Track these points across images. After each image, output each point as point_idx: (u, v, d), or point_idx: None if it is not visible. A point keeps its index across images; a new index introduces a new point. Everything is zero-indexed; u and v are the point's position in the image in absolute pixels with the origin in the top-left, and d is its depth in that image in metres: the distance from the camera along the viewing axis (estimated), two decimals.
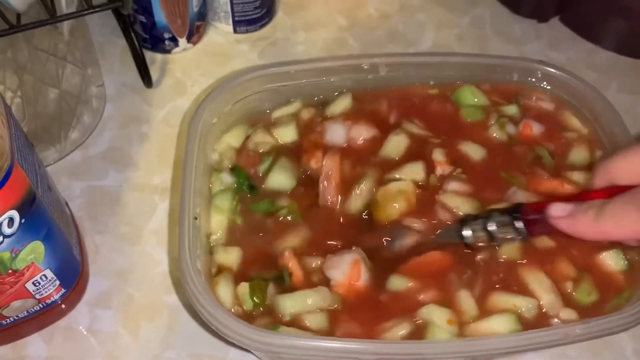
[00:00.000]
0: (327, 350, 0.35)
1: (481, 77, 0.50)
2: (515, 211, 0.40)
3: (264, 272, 0.43)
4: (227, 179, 0.46)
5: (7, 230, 0.39)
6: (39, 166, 0.45)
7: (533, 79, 0.50)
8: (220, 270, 0.43)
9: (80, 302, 0.52)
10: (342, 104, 0.49)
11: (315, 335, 0.38)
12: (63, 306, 0.50)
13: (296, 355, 0.36)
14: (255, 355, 0.49)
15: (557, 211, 0.37)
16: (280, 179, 0.46)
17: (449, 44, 0.71)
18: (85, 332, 0.51)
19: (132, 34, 0.62)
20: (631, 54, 0.71)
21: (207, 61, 0.69)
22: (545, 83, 0.50)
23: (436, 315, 0.39)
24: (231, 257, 0.43)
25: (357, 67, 0.50)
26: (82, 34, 0.62)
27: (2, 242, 0.40)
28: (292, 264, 0.42)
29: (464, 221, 0.43)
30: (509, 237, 0.41)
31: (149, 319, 0.51)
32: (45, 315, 0.49)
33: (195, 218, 0.41)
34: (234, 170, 0.47)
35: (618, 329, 0.37)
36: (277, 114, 0.50)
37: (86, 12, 0.52)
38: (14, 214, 0.39)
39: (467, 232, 0.42)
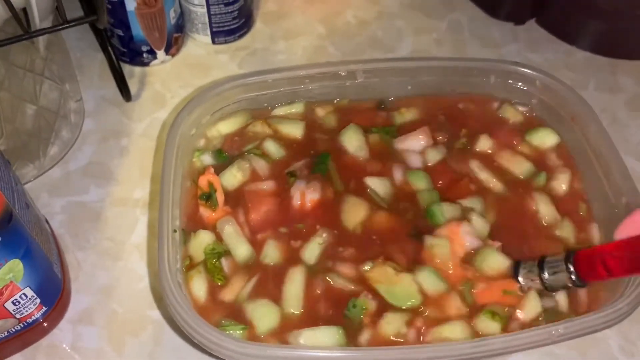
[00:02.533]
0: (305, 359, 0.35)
1: (458, 81, 0.51)
2: (568, 259, 0.41)
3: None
4: (207, 159, 0.47)
5: None
6: (15, 183, 0.45)
7: (510, 81, 0.50)
8: (192, 264, 0.43)
9: (63, 320, 0.51)
10: None
11: (298, 346, 0.38)
12: (45, 324, 0.49)
13: None
14: None
15: None
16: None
17: (428, 48, 0.72)
18: (69, 350, 0.50)
19: (109, 48, 0.62)
20: (607, 53, 0.72)
21: (186, 73, 0.69)
22: (521, 84, 0.50)
23: None
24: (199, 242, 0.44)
25: (334, 74, 0.50)
26: (59, 49, 0.61)
27: None
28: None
29: (518, 266, 0.44)
30: (565, 285, 0.41)
31: (134, 334, 0.51)
32: (27, 335, 0.48)
33: (175, 231, 0.41)
34: (217, 152, 0.48)
35: (601, 327, 0.37)
36: (280, 111, 0.51)
37: (61, 27, 0.51)
38: None
39: (521, 279, 0.43)
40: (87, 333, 0.51)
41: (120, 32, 0.65)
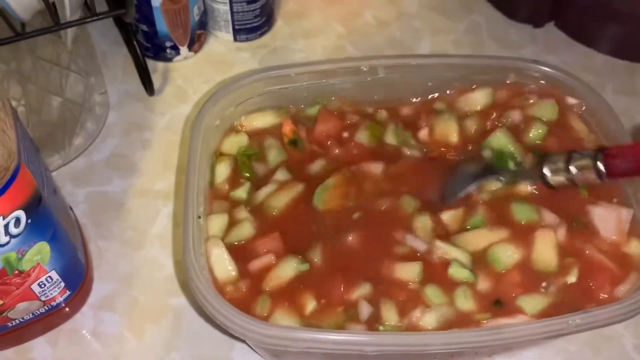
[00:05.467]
0: (327, 342, 0.36)
1: (477, 78, 0.51)
2: (597, 154, 0.42)
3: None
4: (244, 139, 0.49)
5: (13, 230, 0.40)
6: (44, 169, 0.46)
7: (528, 80, 0.51)
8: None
9: (85, 306, 0.52)
10: None
11: (316, 329, 0.38)
12: (67, 309, 0.50)
13: (297, 347, 0.37)
14: (258, 354, 0.49)
15: None
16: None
17: (446, 49, 0.72)
18: (90, 335, 0.51)
19: (135, 43, 0.64)
20: (625, 56, 0.72)
21: (208, 69, 0.70)
22: (542, 82, 0.51)
23: None
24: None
25: (356, 69, 0.51)
26: (84, 44, 0.63)
27: (8, 242, 0.40)
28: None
29: (544, 160, 0.45)
30: (589, 178, 0.42)
31: (154, 322, 0.52)
32: (50, 318, 0.49)
33: (199, 217, 0.42)
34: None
35: (617, 319, 0.38)
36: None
37: (90, 19, 0.53)
38: (21, 214, 0.40)
39: (547, 172, 0.44)
40: (108, 319, 0.52)
41: (145, 28, 0.66)
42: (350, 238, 0.44)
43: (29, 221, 0.41)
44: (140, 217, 0.58)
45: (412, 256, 0.44)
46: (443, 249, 0.43)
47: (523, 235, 0.44)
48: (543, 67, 0.50)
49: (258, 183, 0.48)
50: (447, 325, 0.40)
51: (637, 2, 0.67)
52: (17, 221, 0.40)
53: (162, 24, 0.66)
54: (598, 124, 0.48)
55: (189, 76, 0.69)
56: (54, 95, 0.61)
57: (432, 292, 0.42)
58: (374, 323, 0.41)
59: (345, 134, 0.50)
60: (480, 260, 0.44)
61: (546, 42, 0.74)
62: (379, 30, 0.75)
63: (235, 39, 0.72)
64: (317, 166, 0.49)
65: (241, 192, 0.47)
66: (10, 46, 0.54)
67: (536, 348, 0.50)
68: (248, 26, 0.71)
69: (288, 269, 0.43)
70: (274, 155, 0.49)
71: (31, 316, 0.48)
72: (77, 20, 0.53)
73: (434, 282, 0.42)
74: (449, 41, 0.73)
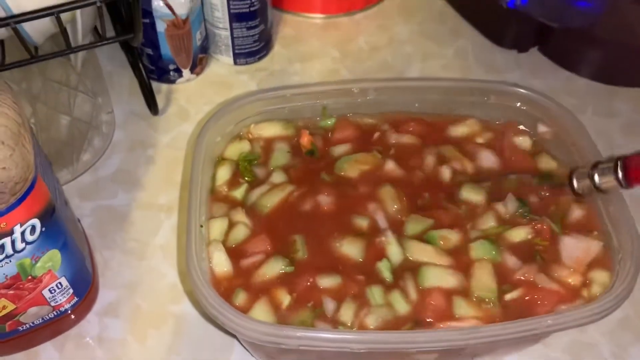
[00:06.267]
0: (319, 340, 0.39)
1: (461, 100, 0.55)
2: (618, 162, 0.46)
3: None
4: (246, 146, 0.54)
5: (29, 237, 0.43)
6: (56, 182, 0.49)
7: (508, 101, 0.55)
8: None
9: (91, 312, 0.55)
10: None
11: (309, 328, 0.41)
12: (75, 315, 0.53)
13: (292, 345, 0.40)
14: (255, 358, 0.52)
15: None
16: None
17: (435, 73, 0.76)
18: (95, 340, 0.54)
19: (141, 65, 0.67)
20: (605, 80, 0.75)
21: (209, 90, 0.74)
22: (519, 104, 0.54)
23: None
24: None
25: (347, 91, 0.54)
26: (93, 66, 0.66)
27: (24, 248, 0.43)
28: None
29: (573, 171, 0.50)
30: (611, 185, 0.47)
31: (156, 327, 0.55)
32: (58, 323, 0.52)
33: (201, 226, 0.45)
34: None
35: (587, 320, 0.41)
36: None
37: (100, 43, 0.56)
38: (36, 222, 0.43)
39: (575, 181, 0.49)
40: (112, 325, 0.55)
41: (150, 51, 0.70)
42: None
43: (43, 229, 0.44)
44: (143, 229, 0.61)
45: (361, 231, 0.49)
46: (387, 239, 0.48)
47: (465, 266, 0.47)
48: (520, 90, 0.54)
49: (255, 185, 0.52)
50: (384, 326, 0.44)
51: (616, 29, 0.71)
52: (33, 229, 0.43)
53: (166, 48, 0.69)
54: (572, 142, 0.52)
55: (191, 97, 0.73)
56: (62, 115, 0.65)
57: (376, 292, 0.45)
58: (337, 322, 0.44)
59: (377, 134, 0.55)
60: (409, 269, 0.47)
61: (530, 66, 0.78)
62: (371, 55, 0.79)
63: (235, 63, 0.76)
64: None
65: (238, 193, 0.51)
66: (22, 68, 0.58)
67: (517, 354, 0.53)
68: (247, 50, 0.74)
69: (273, 267, 0.47)
70: (275, 160, 0.53)
71: (40, 321, 0.51)
72: (88, 45, 0.57)
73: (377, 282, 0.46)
74: (438, 66, 0.77)
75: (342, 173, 0.53)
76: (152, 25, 0.67)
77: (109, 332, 0.54)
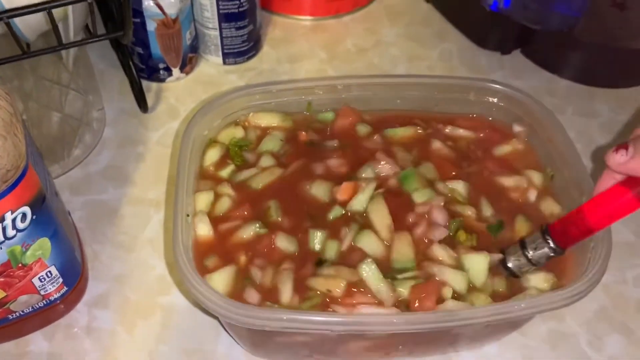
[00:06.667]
0: (303, 322, 0.40)
1: (442, 97, 0.57)
2: (544, 233, 0.46)
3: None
4: (240, 133, 0.56)
5: (20, 225, 0.44)
6: (47, 174, 0.50)
7: (487, 97, 0.56)
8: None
9: (80, 303, 0.56)
10: None
11: (292, 310, 0.43)
12: (64, 305, 0.54)
13: (276, 327, 0.41)
14: (241, 346, 0.53)
15: (616, 159, 0.38)
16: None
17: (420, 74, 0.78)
18: (84, 330, 0.55)
19: (131, 64, 0.69)
20: (585, 82, 0.78)
21: (198, 89, 0.75)
22: (496, 99, 0.56)
23: None
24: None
25: (332, 87, 0.56)
26: (84, 65, 0.68)
27: (15, 235, 0.44)
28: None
29: (505, 254, 0.48)
30: (548, 255, 0.46)
31: (144, 318, 0.56)
32: (47, 313, 0.53)
33: (188, 215, 0.47)
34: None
35: (559, 304, 0.42)
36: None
37: (91, 40, 0.58)
38: (27, 210, 0.44)
39: (510, 264, 0.48)
40: (101, 315, 0.56)
41: (140, 50, 0.71)
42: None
43: (34, 217, 0.45)
44: (133, 223, 0.62)
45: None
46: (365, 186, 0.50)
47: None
48: (498, 86, 0.56)
49: (243, 167, 0.54)
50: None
51: (595, 32, 0.74)
52: (24, 216, 0.44)
53: (156, 47, 0.71)
54: (548, 138, 0.54)
55: (181, 96, 0.74)
56: (54, 111, 0.66)
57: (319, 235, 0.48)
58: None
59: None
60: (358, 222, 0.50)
61: (513, 68, 0.80)
62: (358, 57, 0.80)
63: (224, 62, 0.77)
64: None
65: (224, 172, 0.53)
66: (14, 65, 0.59)
67: (497, 343, 0.55)
68: (236, 50, 0.76)
69: (248, 231, 0.49)
70: (265, 144, 0.55)
71: (30, 310, 0.52)
72: (79, 41, 0.58)
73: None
74: (423, 67, 0.79)
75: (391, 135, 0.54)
76: (143, 24, 0.68)
77: (98, 323, 0.55)
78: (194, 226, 0.49)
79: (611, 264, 0.46)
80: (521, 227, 0.50)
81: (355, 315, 0.43)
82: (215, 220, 0.50)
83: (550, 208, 0.52)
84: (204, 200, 0.50)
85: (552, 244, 0.45)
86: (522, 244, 0.47)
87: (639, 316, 0.57)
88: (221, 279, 0.46)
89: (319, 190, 0.51)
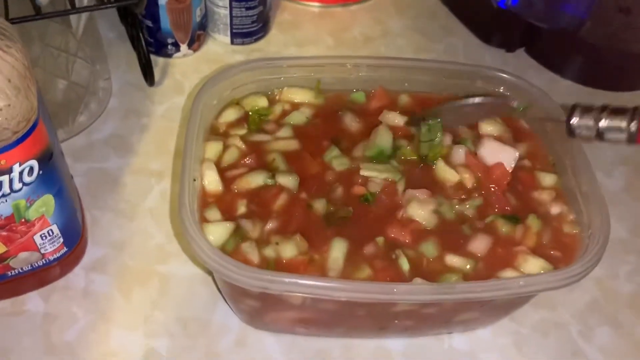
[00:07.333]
0: (304, 287, 0.41)
1: (449, 82, 0.57)
2: (636, 112, 0.42)
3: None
4: (264, 103, 0.57)
5: (27, 179, 0.44)
6: (55, 132, 0.51)
7: (493, 85, 0.57)
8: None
9: (78, 266, 0.56)
10: None
11: (293, 274, 0.43)
12: (62, 266, 0.54)
13: (278, 290, 0.42)
14: (237, 317, 0.53)
15: None
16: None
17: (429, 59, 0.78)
18: (81, 293, 0.55)
19: (140, 35, 0.69)
20: (587, 83, 0.78)
21: (204, 67, 0.75)
22: (502, 88, 0.57)
23: None
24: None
25: (341, 65, 0.57)
26: (92, 34, 0.68)
27: (21, 188, 0.45)
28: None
29: (575, 109, 0.45)
30: (616, 135, 0.43)
31: (141, 285, 0.56)
32: (45, 273, 0.53)
33: (194, 179, 0.47)
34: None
35: (555, 285, 0.43)
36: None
37: (104, 6, 0.58)
38: (34, 163, 0.44)
39: (575, 120, 0.44)
40: (99, 280, 0.56)
41: (149, 24, 0.72)
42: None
43: (41, 172, 0.45)
44: (134, 192, 0.62)
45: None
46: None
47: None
48: (504, 75, 0.57)
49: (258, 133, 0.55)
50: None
51: (599, 35, 0.75)
52: (31, 170, 0.44)
53: (166, 22, 0.71)
54: (552, 127, 0.55)
55: (187, 72, 0.74)
56: (60, 79, 0.66)
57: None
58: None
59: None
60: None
61: (516, 66, 0.80)
62: (365, 45, 0.81)
63: (232, 42, 0.78)
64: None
65: (238, 131, 0.54)
66: (21, 32, 0.59)
67: (490, 327, 0.55)
68: (245, 31, 0.76)
69: (257, 178, 0.51)
70: (290, 118, 0.56)
71: (29, 268, 0.52)
72: (92, 6, 0.59)
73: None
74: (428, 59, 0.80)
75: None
76: None
77: (95, 286, 0.56)
78: (201, 173, 0.50)
79: (605, 259, 0.46)
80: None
81: (356, 282, 0.43)
82: (222, 171, 0.51)
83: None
84: (213, 149, 0.52)
85: (633, 126, 0.42)
86: (603, 108, 0.44)
87: (629, 310, 0.58)
88: (219, 231, 0.47)
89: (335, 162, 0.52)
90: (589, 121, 0.44)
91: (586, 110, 0.45)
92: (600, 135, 0.44)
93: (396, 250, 0.47)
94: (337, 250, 0.46)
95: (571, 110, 0.45)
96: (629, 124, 0.42)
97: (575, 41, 0.76)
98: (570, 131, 0.45)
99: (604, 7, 0.73)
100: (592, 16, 0.74)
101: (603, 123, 0.44)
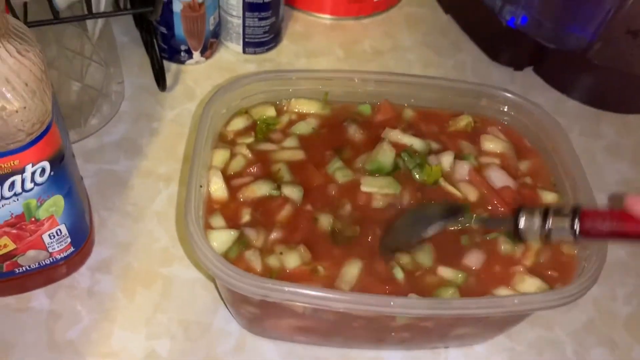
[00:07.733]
0: (305, 296, 0.42)
1: (455, 100, 0.58)
2: (575, 213, 0.44)
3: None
4: (272, 113, 0.58)
5: (38, 179, 0.46)
6: (67, 135, 0.52)
7: (497, 105, 0.58)
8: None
9: (84, 266, 0.57)
10: None
11: (294, 283, 0.44)
12: (69, 265, 0.55)
13: (278, 298, 0.42)
14: (237, 322, 0.54)
15: None
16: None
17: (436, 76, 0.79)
18: (86, 293, 0.56)
19: (155, 41, 0.70)
20: (594, 104, 0.79)
21: (216, 75, 0.77)
22: (506, 107, 0.58)
23: None
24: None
25: (349, 80, 0.58)
26: (107, 38, 0.69)
27: (32, 188, 0.46)
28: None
29: (520, 213, 0.46)
30: (563, 236, 0.44)
31: (145, 286, 0.57)
32: (51, 272, 0.55)
33: (201, 186, 0.48)
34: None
35: (550, 305, 0.44)
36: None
37: (121, 12, 0.59)
38: (46, 165, 0.46)
39: (522, 224, 0.45)
40: (104, 280, 0.57)
41: (164, 30, 0.73)
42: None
43: (52, 173, 0.46)
44: (142, 195, 0.63)
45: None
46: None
47: None
48: (509, 95, 0.57)
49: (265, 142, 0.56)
50: None
51: (607, 57, 0.75)
52: (43, 171, 0.46)
53: (180, 29, 0.73)
54: (554, 147, 0.55)
55: (199, 79, 0.76)
56: (74, 81, 0.67)
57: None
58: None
59: None
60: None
61: (524, 84, 0.81)
62: (374, 58, 0.82)
63: (244, 51, 0.79)
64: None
65: (245, 140, 0.55)
66: (38, 35, 0.60)
67: (485, 344, 0.56)
68: (257, 40, 0.78)
69: (263, 188, 0.52)
70: (297, 128, 0.57)
71: (36, 266, 0.53)
72: (109, 12, 0.60)
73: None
74: (437, 74, 0.80)
75: None
76: (169, 4, 0.70)
77: (99, 286, 0.57)
78: (207, 180, 0.51)
79: (603, 280, 0.47)
80: None
81: (354, 294, 0.44)
82: (228, 178, 0.52)
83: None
84: (220, 157, 0.53)
85: (576, 227, 0.43)
86: (546, 211, 0.45)
87: (626, 332, 0.59)
88: (223, 237, 0.48)
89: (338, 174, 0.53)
90: (535, 225, 0.46)
91: (531, 213, 0.46)
92: (548, 236, 0.46)
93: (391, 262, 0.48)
94: (354, 267, 0.48)
95: (517, 215, 0.47)
96: (572, 224, 0.44)
97: (583, 62, 0.76)
98: (519, 236, 0.47)
99: (613, 30, 0.74)
100: (601, 38, 0.74)
101: (549, 225, 0.45)
